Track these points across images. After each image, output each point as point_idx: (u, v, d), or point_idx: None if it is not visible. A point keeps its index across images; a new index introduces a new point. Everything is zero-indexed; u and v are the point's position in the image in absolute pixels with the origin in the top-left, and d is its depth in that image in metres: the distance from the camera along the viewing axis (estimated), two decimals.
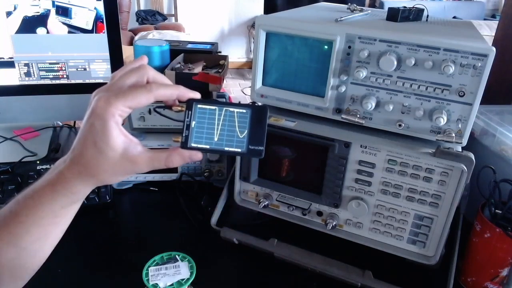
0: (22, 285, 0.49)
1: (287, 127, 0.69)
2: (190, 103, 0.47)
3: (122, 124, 0.45)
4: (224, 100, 1.00)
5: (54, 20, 0.92)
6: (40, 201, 0.45)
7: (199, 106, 0.47)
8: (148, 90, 0.44)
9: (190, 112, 0.47)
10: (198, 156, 0.47)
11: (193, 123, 0.47)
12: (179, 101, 0.48)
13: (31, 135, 1.05)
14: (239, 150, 0.46)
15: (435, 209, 0.65)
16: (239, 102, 0.47)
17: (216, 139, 0.46)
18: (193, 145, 0.46)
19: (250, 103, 0.45)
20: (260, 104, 0.44)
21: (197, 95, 0.48)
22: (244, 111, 0.46)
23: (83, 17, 0.93)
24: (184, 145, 0.46)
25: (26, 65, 0.94)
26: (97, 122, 0.43)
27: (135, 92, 0.44)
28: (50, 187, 0.45)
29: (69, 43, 0.94)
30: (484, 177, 0.64)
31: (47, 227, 0.46)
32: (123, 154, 0.44)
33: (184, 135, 0.47)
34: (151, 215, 0.86)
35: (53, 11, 0.91)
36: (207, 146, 0.46)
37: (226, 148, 0.46)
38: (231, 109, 0.46)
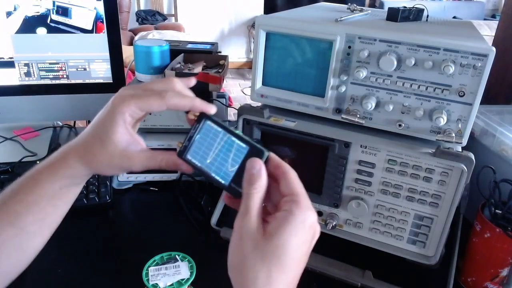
0: (19, 270, 0.49)
1: (287, 127, 0.69)
2: (201, 117, 0.47)
3: (142, 121, 0.49)
4: (224, 100, 1.00)
5: (54, 20, 0.92)
6: (41, 181, 0.46)
7: (208, 122, 0.46)
8: (162, 97, 0.45)
9: (198, 125, 0.47)
10: (189, 169, 0.47)
11: (196, 137, 0.46)
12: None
13: (31, 135, 1.05)
14: (222, 181, 0.44)
15: (435, 209, 0.65)
16: (244, 136, 0.45)
17: (208, 161, 0.45)
18: (188, 157, 0.46)
19: (255, 141, 0.44)
20: (261, 147, 0.43)
21: (212, 109, 0.48)
22: (244, 146, 0.44)
23: (83, 17, 0.93)
24: (180, 154, 0.47)
25: (26, 65, 0.94)
26: (107, 115, 0.45)
27: (149, 96, 0.45)
28: (51, 168, 0.47)
29: (69, 43, 0.94)
30: (484, 177, 0.64)
31: (46, 208, 0.47)
32: (123, 150, 0.46)
33: (184, 144, 0.47)
34: (151, 215, 0.86)
35: (52, 11, 0.91)
36: (199, 164, 0.46)
37: (213, 174, 0.45)
38: (233, 138, 0.45)
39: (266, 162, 0.42)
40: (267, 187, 0.41)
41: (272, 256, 0.37)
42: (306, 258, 0.40)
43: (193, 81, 0.51)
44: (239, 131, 0.45)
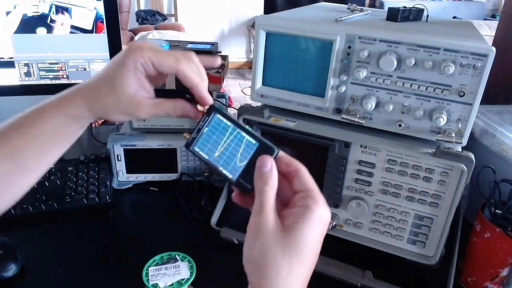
0: (10, 205, 0.49)
1: (287, 127, 0.69)
2: (211, 109, 0.47)
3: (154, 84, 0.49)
4: (224, 100, 1.00)
5: (54, 20, 0.92)
6: (44, 116, 0.47)
7: (217, 115, 0.46)
8: (176, 61, 0.46)
9: (207, 118, 0.46)
10: (196, 115, 0.48)
11: (205, 129, 0.46)
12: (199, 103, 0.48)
13: None
14: (230, 176, 0.45)
15: (435, 209, 0.65)
16: (256, 131, 0.45)
17: (216, 154, 0.45)
18: (196, 149, 0.46)
19: (265, 138, 0.45)
20: (271, 143, 0.43)
21: (210, 100, 0.48)
22: (253, 142, 0.44)
23: (83, 17, 0.93)
24: (188, 146, 0.46)
25: (26, 65, 0.94)
26: (121, 59, 0.46)
27: (165, 55, 0.46)
28: (56, 105, 0.47)
29: (69, 43, 0.94)
30: (484, 177, 0.64)
31: (45, 144, 0.48)
32: (130, 96, 0.47)
33: (192, 136, 0.47)
34: (151, 215, 0.86)
35: (53, 11, 0.91)
36: (206, 157, 0.46)
37: (220, 168, 0.45)
38: (243, 134, 0.45)
39: (275, 159, 0.43)
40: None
41: (292, 249, 0.38)
42: (319, 253, 0.41)
43: (218, 61, 0.52)
44: (248, 127, 0.45)
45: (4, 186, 0.47)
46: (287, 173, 0.43)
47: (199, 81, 0.47)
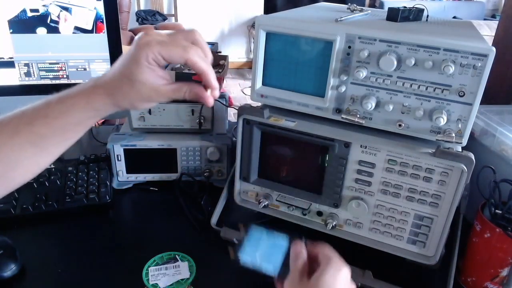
0: (27, 180, 0.53)
1: (287, 127, 0.69)
2: (249, 226, 0.58)
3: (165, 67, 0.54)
4: (224, 100, 1.00)
5: (54, 20, 0.92)
6: (73, 108, 0.50)
7: (255, 227, 0.58)
8: (185, 51, 0.50)
9: (248, 231, 0.58)
10: (210, 102, 0.55)
11: (246, 241, 0.57)
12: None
13: None
14: (273, 272, 0.54)
15: (435, 209, 0.65)
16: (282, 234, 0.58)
17: (258, 258, 0.55)
18: (243, 258, 0.55)
19: (293, 233, 0.57)
20: (297, 234, 0.56)
21: (214, 91, 0.54)
22: (285, 242, 0.56)
23: (83, 17, 0.93)
24: (237, 260, 0.55)
25: (26, 65, 0.94)
26: (132, 57, 0.50)
27: (174, 46, 0.50)
28: (83, 98, 0.51)
29: (69, 43, 0.94)
30: (484, 177, 0.64)
31: (69, 133, 0.52)
32: (150, 87, 0.51)
33: (237, 248, 0.56)
34: (151, 215, 0.86)
35: (53, 11, 0.91)
36: (251, 261, 0.55)
37: (264, 268, 0.54)
38: (276, 237, 0.57)
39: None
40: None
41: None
42: None
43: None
44: (279, 233, 0.57)
45: (25, 167, 0.51)
46: (312, 252, 0.54)
47: (207, 68, 0.52)
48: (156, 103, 0.55)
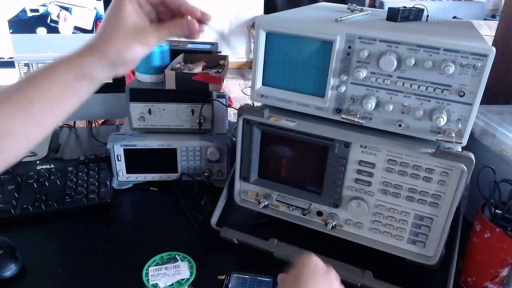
0: (18, 159, 0.51)
1: (287, 127, 0.69)
2: (229, 273, 0.66)
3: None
4: (224, 100, 1.00)
5: (54, 20, 0.92)
6: (58, 68, 0.51)
7: (235, 275, 0.66)
8: None
9: (228, 278, 0.65)
10: (194, 32, 0.56)
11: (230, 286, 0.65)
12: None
13: None
14: None
15: (435, 209, 0.65)
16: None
17: None
18: None
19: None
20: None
21: (197, 11, 0.56)
22: (269, 279, 0.64)
23: (83, 17, 0.93)
24: None
25: (26, 65, 0.94)
26: (117, 1, 0.52)
27: None
28: (69, 59, 0.52)
29: (69, 43, 0.94)
30: (484, 177, 0.64)
31: (56, 97, 0.51)
32: (134, 25, 0.52)
33: None
34: (151, 215, 0.86)
35: (53, 10, 0.91)
36: None
37: None
38: (259, 278, 0.64)
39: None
40: None
41: None
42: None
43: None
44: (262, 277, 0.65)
45: (14, 141, 0.49)
46: None
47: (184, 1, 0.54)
48: (144, 50, 0.55)
